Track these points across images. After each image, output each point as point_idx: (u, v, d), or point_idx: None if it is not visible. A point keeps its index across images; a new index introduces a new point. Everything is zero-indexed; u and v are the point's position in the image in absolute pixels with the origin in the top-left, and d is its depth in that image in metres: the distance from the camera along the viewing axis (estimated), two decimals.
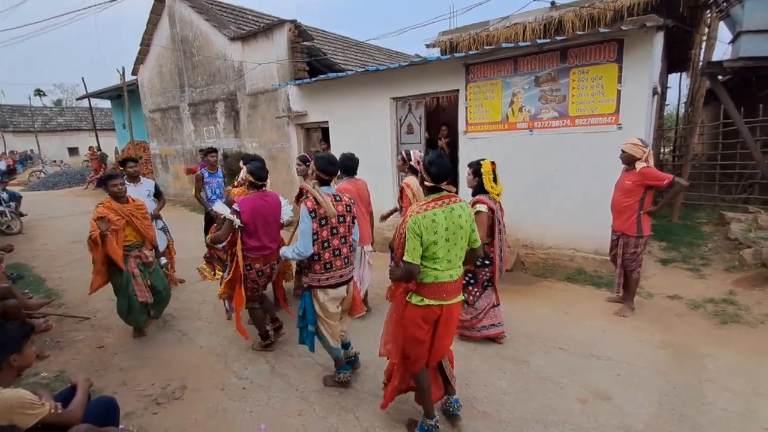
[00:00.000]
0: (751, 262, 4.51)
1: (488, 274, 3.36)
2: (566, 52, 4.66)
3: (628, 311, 3.87)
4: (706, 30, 7.01)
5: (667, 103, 12.10)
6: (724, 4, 6.14)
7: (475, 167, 3.26)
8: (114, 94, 15.19)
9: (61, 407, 1.96)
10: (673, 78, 11.55)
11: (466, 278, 3.37)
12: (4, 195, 8.73)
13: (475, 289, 3.40)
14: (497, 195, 3.20)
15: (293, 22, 7.75)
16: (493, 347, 3.41)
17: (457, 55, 5.25)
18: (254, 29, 8.43)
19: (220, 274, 4.05)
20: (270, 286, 4.09)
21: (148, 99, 12.09)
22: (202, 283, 3.67)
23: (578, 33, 4.45)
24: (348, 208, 2.77)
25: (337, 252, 2.71)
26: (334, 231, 2.69)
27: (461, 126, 5.66)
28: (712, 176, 7.56)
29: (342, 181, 3.82)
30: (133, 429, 2.11)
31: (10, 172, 17.52)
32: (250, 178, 3.22)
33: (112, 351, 3.64)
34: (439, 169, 2.15)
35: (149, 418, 2.73)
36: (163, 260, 4.14)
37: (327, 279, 2.71)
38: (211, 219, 4.96)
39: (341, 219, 2.72)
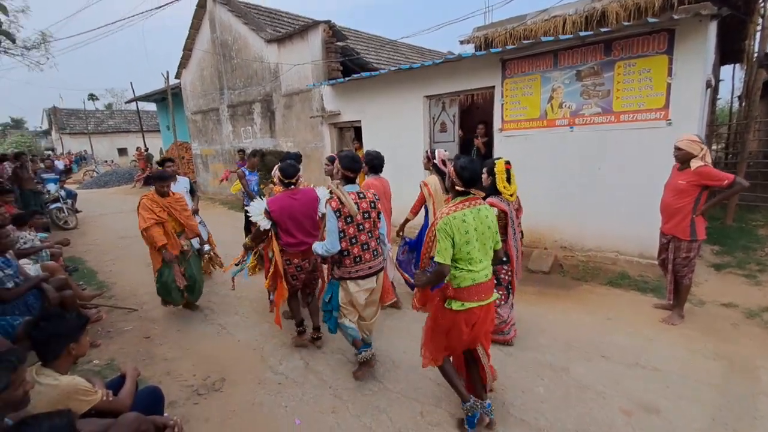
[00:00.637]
0: None
1: (509, 273, 3.28)
2: (611, 45, 4.43)
3: (678, 319, 3.63)
4: (760, 20, 6.48)
5: (719, 97, 11.28)
6: None
7: (489, 166, 3.22)
8: (159, 98, 15.99)
9: (112, 395, 2.07)
10: (726, 70, 10.75)
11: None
12: (62, 192, 9.39)
13: (500, 292, 3.31)
14: (510, 195, 3.13)
15: (327, 22, 7.85)
16: (530, 352, 3.30)
17: (493, 50, 5.12)
18: (290, 31, 8.61)
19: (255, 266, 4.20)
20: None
21: (190, 101, 12.63)
22: (240, 278, 3.81)
23: (625, 24, 4.21)
24: (372, 204, 2.85)
25: (365, 246, 2.81)
26: (361, 227, 2.78)
27: (497, 123, 5.52)
28: None
29: (370, 176, 3.96)
30: (176, 418, 2.19)
31: (67, 171, 18.84)
32: (280, 176, 3.31)
33: (157, 342, 3.83)
34: (471, 174, 2.19)
35: (191, 408, 2.85)
36: (207, 247, 4.53)
37: (357, 271, 2.82)
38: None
39: (366, 215, 2.80)
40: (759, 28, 6.61)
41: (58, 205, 8.99)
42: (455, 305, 2.25)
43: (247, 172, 5.84)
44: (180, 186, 4.99)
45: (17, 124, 42.63)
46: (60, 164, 16.61)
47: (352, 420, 2.64)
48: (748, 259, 4.87)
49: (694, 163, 3.34)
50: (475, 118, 7.69)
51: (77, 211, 9.77)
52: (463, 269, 2.21)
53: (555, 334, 3.56)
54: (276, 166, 4.11)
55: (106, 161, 27.05)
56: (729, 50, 7.84)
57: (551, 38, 4.65)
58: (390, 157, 6.56)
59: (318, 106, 8.05)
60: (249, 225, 5.15)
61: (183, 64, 12.26)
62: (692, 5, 3.90)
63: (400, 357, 3.33)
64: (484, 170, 3.24)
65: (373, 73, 6.59)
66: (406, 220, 4.08)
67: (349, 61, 8.38)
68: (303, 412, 2.75)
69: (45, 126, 34.30)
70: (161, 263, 3.97)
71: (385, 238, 3.05)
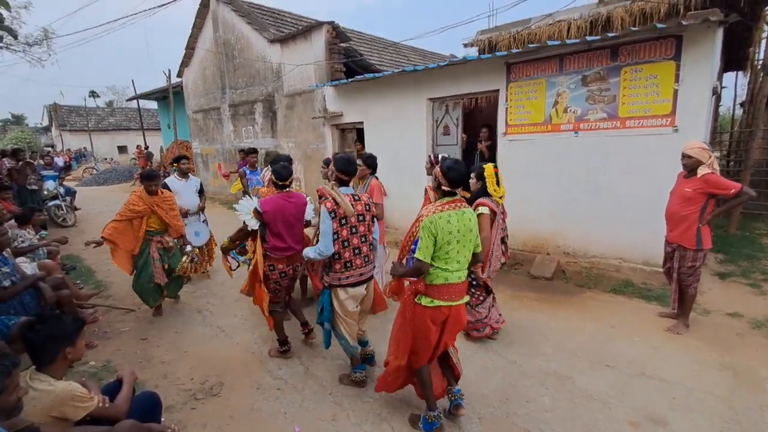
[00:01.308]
0: None
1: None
2: (617, 50, 4.39)
3: (683, 328, 3.58)
4: (766, 27, 6.45)
5: (720, 104, 11.27)
6: None
7: (479, 171, 3.30)
8: (160, 96, 15.96)
9: (108, 401, 2.02)
10: (728, 78, 10.74)
11: (469, 279, 3.31)
12: (61, 189, 9.32)
13: (477, 292, 3.45)
14: (500, 198, 3.23)
15: (331, 23, 7.81)
16: (533, 361, 3.25)
17: (498, 53, 5.09)
18: (293, 31, 8.58)
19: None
20: (298, 287, 4.19)
21: (191, 100, 12.59)
22: (239, 280, 3.76)
23: (632, 29, 4.18)
24: (367, 207, 2.81)
25: (357, 251, 2.75)
26: (354, 230, 2.73)
27: (501, 127, 5.48)
28: None
29: (371, 178, 3.99)
30: (173, 425, 2.14)
31: (67, 168, 18.78)
32: (273, 178, 3.21)
33: (154, 343, 3.77)
34: (457, 175, 2.25)
35: (188, 412, 2.79)
36: (188, 248, 4.47)
37: (347, 278, 2.75)
38: None
39: (361, 218, 2.76)
40: (765, 35, 6.59)
41: (57, 202, 8.92)
42: (424, 301, 2.30)
43: (248, 171, 5.78)
44: (191, 185, 4.97)
45: (17, 120, 42.56)
46: (60, 161, 16.56)
47: (352, 428, 2.59)
48: (752, 269, 4.84)
49: (701, 171, 3.30)
50: (478, 122, 7.66)
51: (76, 209, 9.70)
52: (438, 267, 2.26)
53: (559, 341, 3.51)
54: (266, 169, 4.11)
55: (105, 159, 26.99)
56: (732, 58, 7.83)
57: (557, 42, 4.62)
58: (392, 159, 6.56)
59: (320, 107, 8.01)
60: None
61: (185, 62, 12.22)
62: (700, 11, 3.87)
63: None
64: (473, 175, 3.35)
65: (376, 74, 6.55)
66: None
67: (352, 63, 8.35)
68: (302, 419, 2.69)
69: (45, 122, 34.25)
70: (138, 257, 4.07)
71: (377, 242, 3.03)
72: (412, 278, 2.41)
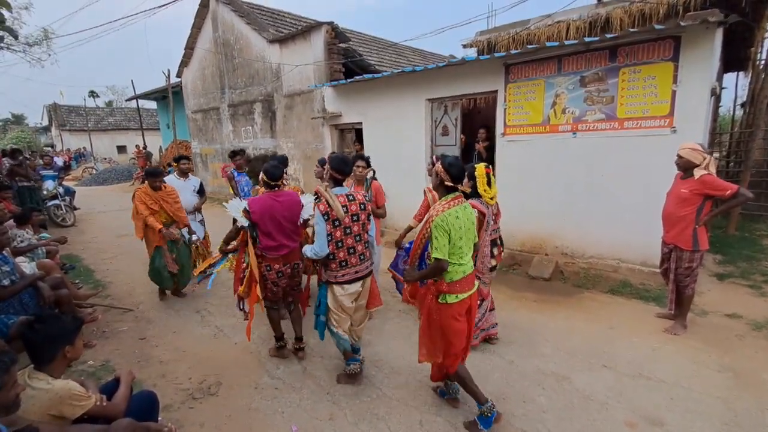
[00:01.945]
0: None
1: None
2: (616, 51, 4.40)
3: (681, 329, 3.59)
4: None
5: (720, 104, 11.28)
6: None
7: (470, 171, 3.21)
8: (160, 96, 15.97)
9: (106, 400, 2.02)
10: (728, 78, 10.75)
11: None
12: (60, 189, 9.32)
13: None
14: (491, 199, 3.17)
15: (330, 24, 7.82)
16: (531, 361, 3.25)
17: (497, 54, 5.09)
18: (292, 31, 8.58)
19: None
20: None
21: (190, 100, 12.59)
22: (204, 285, 3.84)
23: (631, 30, 4.18)
24: (362, 207, 2.81)
25: (351, 250, 2.77)
26: (348, 230, 2.74)
27: (499, 128, 5.48)
28: None
29: (370, 179, 3.94)
30: (170, 424, 2.14)
31: (66, 168, 18.78)
32: (264, 178, 3.19)
33: (153, 343, 3.77)
34: (458, 170, 2.36)
35: (186, 412, 2.79)
36: (194, 237, 4.74)
37: (343, 276, 2.77)
38: None
39: (355, 218, 2.76)
40: (767, 35, 6.58)
41: (56, 202, 8.93)
42: (450, 299, 2.36)
43: (235, 173, 5.50)
44: (189, 184, 5.07)
45: (17, 120, 42.54)
46: (59, 161, 16.56)
47: (349, 428, 2.59)
48: (752, 270, 4.84)
49: (698, 172, 3.31)
50: (477, 123, 7.67)
51: (75, 209, 9.70)
52: (455, 264, 2.33)
53: (556, 342, 3.52)
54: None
55: (105, 158, 26.98)
56: (733, 58, 7.84)
57: (556, 43, 4.62)
58: (391, 159, 6.57)
59: (319, 107, 8.02)
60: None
61: (184, 62, 12.22)
62: (699, 12, 3.88)
63: (399, 363, 3.28)
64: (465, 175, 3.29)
65: (375, 75, 6.56)
66: (409, 228, 3.85)
67: (351, 63, 8.35)
68: (300, 418, 2.70)
69: (45, 122, 34.23)
70: (155, 248, 4.38)
71: (374, 240, 3.03)
72: (431, 279, 2.43)
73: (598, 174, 4.74)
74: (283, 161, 4.47)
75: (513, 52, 4.97)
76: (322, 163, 4.36)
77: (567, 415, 2.63)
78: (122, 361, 3.42)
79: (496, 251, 3.38)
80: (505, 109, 5.37)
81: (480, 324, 3.40)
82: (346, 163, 2.81)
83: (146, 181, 4.39)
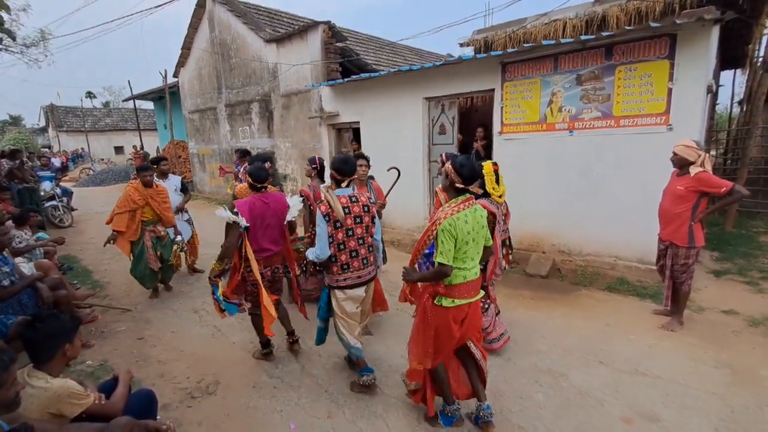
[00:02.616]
0: None
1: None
2: (612, 49, 4.41)
3: (677, 326, 3.61)
4: None
5: (717, 102, 11.32)
6: None
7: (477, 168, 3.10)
8: (156, 96, 15.91)
9: (104, 398, 2.03)
10: (725, 75, 10.78)
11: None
12: (58, 190, 9.30)
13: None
14: (499, 197, 3.05)
15: (327, 23, 7.81)
16: (528, 358, 3.27)
17: (494, 53, 5.10)
18: (289, 31, 8.57)
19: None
20: (286, 288, 4.12)
21: (187, 100, 12.57)
22: (228, 317, 3.76)
23: (627, 28, 4.20)
24: (365, 209, 2.70)
25: (354, 253, 2.69)
26: (350, 233, 2.66)
27: (496, 127, 5.50)
28: None
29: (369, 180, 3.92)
30: (169, 422, 2.14)
31: (64, 168, 18.71)
32: (249, 180, 3.10)
33: (151, 343, 3.78)
34: (470, 171, 2.24)
35: (184, 411, 2.80)
36: (179, 238, 4.84)
37: (344, 280, 2.71)
38: None
39: (358, 220, 2.67)
40: (767, 31, 6.59)
41: (54, 203, 8.90)
42: (446, 302, 2.28)
43: (241, 171, 5.77)
44: (170, 183, 5.18)
45: (15, 121, 42.39)
46: (56, 162, 16.51)
47: (347, 425, 2.60)
48: (749, 266, 4.86)
49: (694, 170, 3.33)
50: (474, 121, 7.67)
51: (73, 209, 9.68)
52: (456, 267, 2.25)
53: (553, 339, 3.53)
54: (243, 167, 4.06)
55: (102, 159, 26.90)
56: (730, 55, 7.86)
57: (552, 42, 4.63)
58: (389, 158, 6.53)
59: (316, 106, 8.01)
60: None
61: (181, 62, 12.20)
62: (695, 9, 3.89)
63: (397, 361, 3.29)
64: None
65: (372, 74, 6.56)
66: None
67: (348, 62, 8.34)
68: (298, 416, 2.70)
69: (42, 123, 34.10)
70: (136, 245, 4.52)
71: (380, 243, 2.93)
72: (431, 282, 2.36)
73: (594, 172, 4.76)
74: (266, 159, 4.45)
75: (510, 50, 4.98)
76: (311, 162, 4.31)
77: (564, 411, 2.64)
78: (120, 361, 3.42)
79: (504, 252, 3.26)
80: (502, 107, 5.38)
81: (488, 329, 3.22)
82: (346, 162, 2.70)
83: (138, 177, 4.53)
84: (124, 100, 21.95)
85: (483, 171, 3.00)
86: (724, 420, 2.51)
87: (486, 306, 3.23)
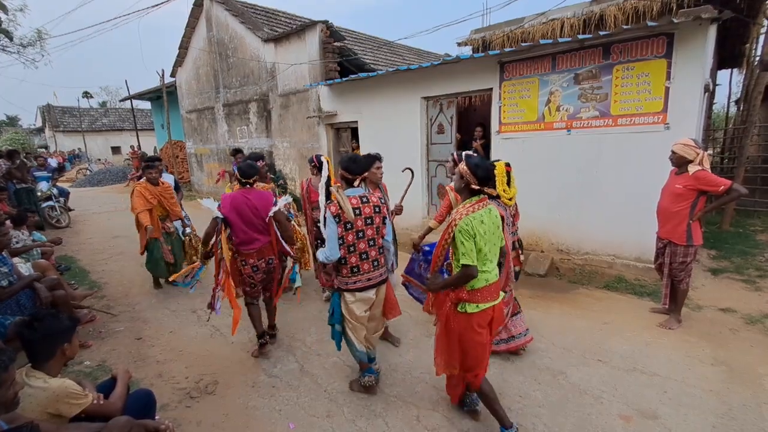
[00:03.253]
0: None
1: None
2: (609, 48, 4.42)
3: (675, 324, 3.62)
4: (765, 22, 6.49)
5: (714, 101, 11.36)
6: None
7: None
8: (154, 96, 15.86)
9: (102, 398, 2.02)
10: (722, 75, 10.83)
11: None
12: (55, 191, 9.27)
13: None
14: (509, 199, 2.96)
15: (325, 22, 7.80)
16: (527, 356, 3.27)
17: (492, 52, 5.10)
18: (287, 30, 8.56)
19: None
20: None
21: (185, 100, 12.53)
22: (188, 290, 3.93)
23: (625, 27, 4.21)
24: (376, 209, 2.64)
25: (364, 256, 2.62)
26: (360, 234, 2.59)
27: (494, 126, 5.50)
28: None
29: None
30: (167, 422, 2.14)
31: (60, 169, 18.67)
32: (237, 175, 3.33)
33: (149, 343, 3.77)
34: (486, 172, 2.19)
35: (183, 410, 2.79)
36: (188, 230, 5.08)
37: (354, 282, 2.64)
38: None
39: (368, 221, 2.60)
40: (764, 30, 6.62)
41: (51, 203, 8.87)
42: (470, 308, 2.21)
43: (235, 168, 5.79)
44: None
45: (12, 121, 42.20)
46: (53, 162, 16.45)
47: (347, 425, 2.60)
48: (746, 265, 4.88)
49: (692, 168, 3.34)
50: (472, 121, 7.68)
51: (70, 210, 9.65)
52: (478, 270, 2.18)
53: (552, 337, 3.54)
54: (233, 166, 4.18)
55: (99, 159, 26.79)
56: (727, 55, 7.89)
57: (550, 41, 4.64)
58: (387, 158, 6.52)
59: (315, 106, 8.01)
60: None
61: (179, 62, 12.15)
62: (692, 9, 3.90)
63: (396, 360, 3.30)
64: None
65: (370, 73, 6.56)
66: (429, 229, 3.60)
67: (346, 62, 8.34)
68: (297, 416, 2.70)
69: (38, 123, 33.94)
70: (146, 241, 4.70)
71: (391, 245, 2.85)
72: (456, 288, 2.25)
73: (592, 171, 4.77)
74: (259, 158, 4.76)
75: (508, 50, 4.98)
76: (310, 161, 4.30)
77: (562, 409, 2.65)
78: (119, 362, 3.41)
79: (514, 254, 3.16)
80: (500, 106, 5.38)
81: (500, 333, 3.15)
82: (355, 161, 2.65)
83: (144, 176, 4.70)
84: (121, 100, 21.86)
85: (495, 171, 2.86)
86: (722, 417, 2.52)
87: (517, 311, 3.20)
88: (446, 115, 6.17)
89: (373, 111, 6.88)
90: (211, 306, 3.36)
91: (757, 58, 6.73)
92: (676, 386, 2.82)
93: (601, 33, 4.30)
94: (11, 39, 10.19)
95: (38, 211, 8.09)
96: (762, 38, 6.60)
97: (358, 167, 2.66)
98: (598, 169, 4.72)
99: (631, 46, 4.30)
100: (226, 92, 10.69)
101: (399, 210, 3.50)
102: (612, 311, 4.01)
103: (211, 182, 12.19)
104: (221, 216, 3.21)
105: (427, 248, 3.58)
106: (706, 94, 4.77)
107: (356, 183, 2.66)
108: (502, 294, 2.36)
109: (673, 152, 3.43)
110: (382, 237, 2.72)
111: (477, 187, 2.19)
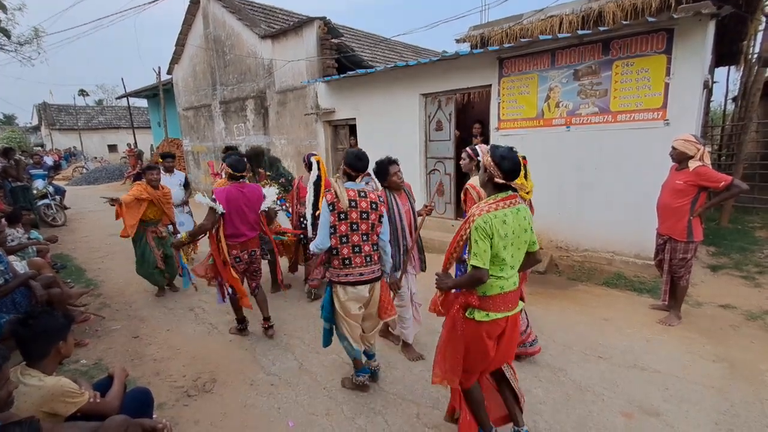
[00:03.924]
0: None
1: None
2: (609, 44, 4.40)
3: (675, 320, 3.61)
4: (764, 19, 6.49)
5: (712, 99, 11.39)
6: None
7: None
8: (150, 93, 15.77)
9: (99, 397, 1.99)
10: (719, 72, 10.86)
11: None
12: (51, 189, 9.20)
13: None
14: (527, 193, 2.83)
15: (323, 19, 7.75)
16: None
17: (491, 48, 5.08)
18: (284, 27, 8.50)
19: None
20: (270, 275, 4.59)
21: (182, 97, 12.45)
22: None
23: (624, 23, 4.19)
24: (373, 206, 2.61)
25: (356, 249, 2.60)
26: (354, 227, 2.57)
27: (493, 122, 5.48)
28: (766, 177, 7.01)
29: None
30: (165, 420, 2.11)
31: (56, 167, 18.54)
32: (229, 170, 3.43)
33: (146, 341, 3.73)
34: (512, 165, 1.93)
35: (180, 409, 2.76)
36: (178, 236, 4.87)
37: (346, 275, 2.61)
38: None
39: (364, 215, 2.58)
40: (762, 26, 6.62)
41: (46, 201, 8.81)
42: (479, 315, 2.00)
43: None
44: (175, 179, 5.48)
45: (8, 120, 41.91)
46: (49, 160, 16.33)
47: (346, 422, 2.58)
48: (745, 261, 4.88)
49: (693, 164, 3.32)
50: (471, 117, 7.64)
51: (66, 208, 9.58)
52: (492, 275, 1.96)
53: (552, 334, 3.52)
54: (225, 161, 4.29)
55: (95, 157, 26.64)
56: (725, 52, 7.89)
57: (549, 37, 4.62)
58: (385, 154, 6.51)
59: (312, 103, 7.96)
60: None
61: (175, 59, 12.06)
62: (692, 4, 3.88)
63: (395, 358, 3.28)
64: None
65: (368, 70, 6.52)
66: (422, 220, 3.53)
67: (344, 59, 8.28)
68: (296, 414, 2.68)
69: (35, 122, 33.71)
70: (141, 245, 4.60)
71: (387, 245, 2.78)
72: (464, 290, 2.08)
73: (591, 167, 4.76)
74: (259, 153, 4.82)
75: (506, 46, 4.96)
76: (304, 160, 4.27)
77: (563, 406, 2.64)
78: (115, 360, 3.38)
79: None
80: (499, 103, 5.36)
81: (527, 331, 3.06)
82: (360, 158, 2.66)
83: (144, 178, 4.63)
84: (117, 98, 21.77)
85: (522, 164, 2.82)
86: (724, 414, 2.51)
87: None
88: (445, 111, 6.14)
89: (371, 108, 6.85)
90: (222, 295, 3.60)
91: (755, 55, 6.73)
92: (677, 383, 2.81)
93: (601, 29, 4.28)
94: (9, 37, 10.10)
95: (34, 209, 8.02)
96: (760, 34, 6.60)
97: (362, 165, 2.67)
98: (598, 166, 4.71)
99: (630, 42, 4.28)
100: (223, 89, 10.62)
101: (429, 210, 3.42)
102: (611, 308, 4.00)
103: (208, 180, 12.12)
104: (222, 210, 3.27)
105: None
106: (705, 90, 4.76)
107: (358, 179, 2.68)
108: (521, 304, 2.12)
109: (673, 148, 3.41)
110: (377, 234, 2.69)
111: (502, 182, 1.97)
